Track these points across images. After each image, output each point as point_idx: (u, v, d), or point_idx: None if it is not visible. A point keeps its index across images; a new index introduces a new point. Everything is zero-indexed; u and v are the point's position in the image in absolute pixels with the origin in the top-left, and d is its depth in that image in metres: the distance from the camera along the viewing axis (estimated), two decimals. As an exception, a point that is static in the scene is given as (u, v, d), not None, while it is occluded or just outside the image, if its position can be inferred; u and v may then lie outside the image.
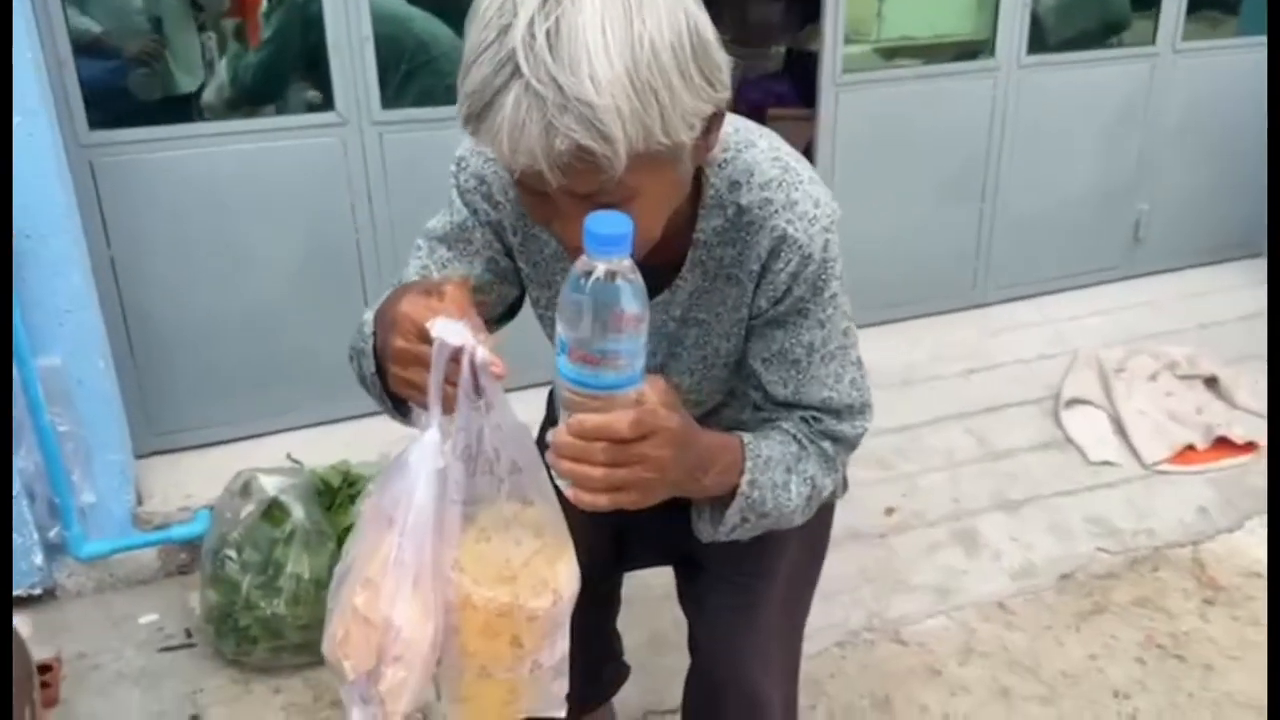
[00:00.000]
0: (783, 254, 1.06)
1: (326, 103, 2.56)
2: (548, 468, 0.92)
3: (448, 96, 2.94)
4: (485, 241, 1.17)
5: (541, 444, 0.92)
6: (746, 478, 1.06)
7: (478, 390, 0.86)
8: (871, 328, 3.31)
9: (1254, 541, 2.52)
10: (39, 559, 2.24)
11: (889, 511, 2.62)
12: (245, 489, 2.08)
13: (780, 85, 3.97)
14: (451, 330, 0.85)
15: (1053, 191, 3.52)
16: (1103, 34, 3.60)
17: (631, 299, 0.84)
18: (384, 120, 2.58)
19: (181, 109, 2.68)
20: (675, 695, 1.52)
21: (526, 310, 1.27)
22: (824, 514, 1.41)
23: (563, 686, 0.99)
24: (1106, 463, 2.80)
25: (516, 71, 0.81)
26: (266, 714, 2.02)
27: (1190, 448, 2.83)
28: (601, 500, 0.91)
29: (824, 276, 1.08)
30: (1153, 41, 3.50)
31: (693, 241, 1.10)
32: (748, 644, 1.36)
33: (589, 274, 0.83)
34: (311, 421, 2.72)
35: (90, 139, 2.36)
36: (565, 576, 0.95)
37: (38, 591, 2.28)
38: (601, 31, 0.81)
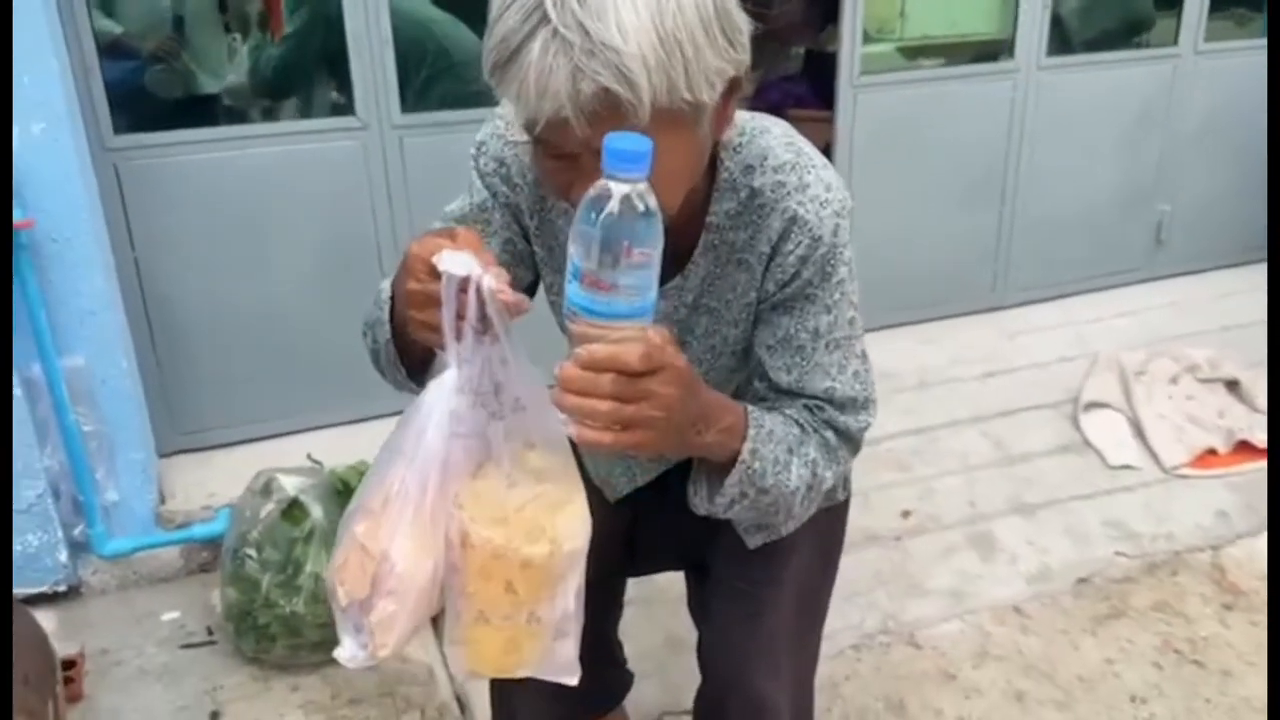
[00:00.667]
0: (793, 235, 1.07)
1: (347, 106, 2.58)
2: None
3: (468, 101, 2.96)
4: (503, 223, 1.18)
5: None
6: (748, 445, 1.05)
7: (485, 322, 0.86)
8: (889, 329, 3.30)
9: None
10: (64, 556, 2.28)
11: (905, 514, 2.62)
12: (266, 488, 2.11)
13: (799, 86, 3.97)
14: (458, 261, 0.85)
15: (1073, 193, 3.51)
16: (1126, 34, 3.58)
17: (649, 224, 0.83)
18: (404, 124, 2.61)
19: (205, 110, 2.71)
20: (691, 697, 1.52)
21: (541, 308, 1.28)
22: (836, 520, 1.41)
23: (567, 649, 0.96)
24: (1126, 466, 2.78)
25: (544, 19, 0.84)
26: (285, 711, 2.04)
27: (1211, 451, 2.81)
28: (605, 438, 0.89)
29: (832, 261, 1.08)
30: (1175, 42, 3.48)
31: (705, 225, 1.11)
32: (755, 654, 1.35)
33: (605, 197, 0.82)
34: (333, 422, 2.74)
35: (115, 143, 2.39)
36: (566, 527, 0.92)
37: (62, 588, 2.31)
38: None
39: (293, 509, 2.07)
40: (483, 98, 2.67)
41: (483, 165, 1.17)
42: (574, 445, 0.91)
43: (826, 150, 3.14)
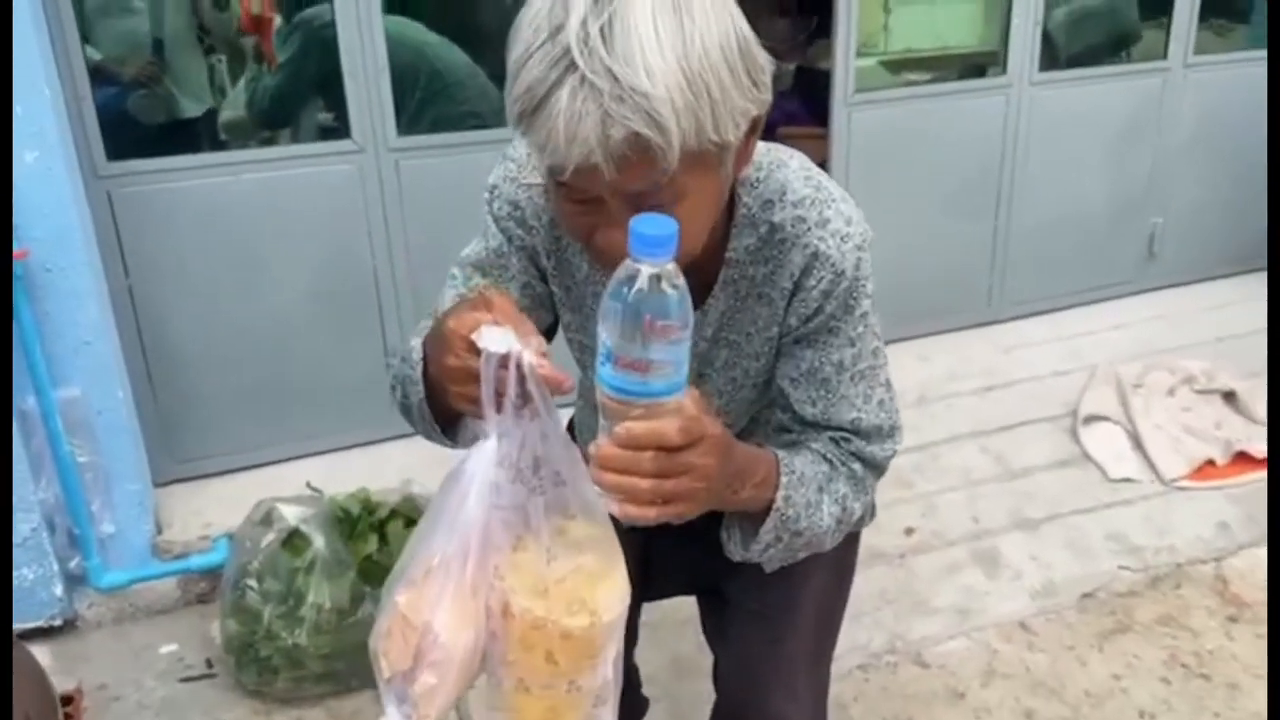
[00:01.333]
0: (815, 271, 1.07)
1: (343, 130, 2.57)
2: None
3: (462, 123, 2.96)
4: (521, 267, 1.18)
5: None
6: (781, 493, 1.05)
7: (524, 396, 0.85)
8: (886, 345, 3.29)
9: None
10: (59, 590, 2.25)
11: (908, 531, 2.61)
12: (266, 518, 2.08)
13: (791, 103, 3.97)
14: (496, 338, 0.84)
15: (1066, 206, 3.52)
16: (1113, 47, 3.60)
17: (679, 304, 0.83)
18: (400, 147, 2.59)
19: (192, 135, 2.69)
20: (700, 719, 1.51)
21: (559, 345, 1.27)
22: (850, 541, 1.41)
23: (606, 715, 0.97)
24: (1126, 479, 2.79)
25: (572, 65, 0.83)
26: (288, 744, 2.02)
27: (1210, 463, 2.81)
28: (650, 513, 0.89)
29: (855, 295, 1.08)
30: (1164, 56, 3.50)
31: (725, 260, 1.11)
32: (774, 677, 1.35)
33: (633, 278, 0.82)
34: (331, 447, 2.72)
35: (108, 170, 2.37)
36: (606, 599, 0.93)
37: (58, 622, 2.28)
38: (654, 28, 0.83)
39: (294, 539, 2.05)
40: (477, 119, 2.68)
41: (497, 209, 1.16)
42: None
43: (821, 167, 3.14)
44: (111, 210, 2.40)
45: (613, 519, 0.92)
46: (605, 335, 0.85)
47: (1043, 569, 2.49)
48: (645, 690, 1.87)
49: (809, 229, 1.07)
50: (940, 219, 3.35)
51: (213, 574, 2.34)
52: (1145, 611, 2.35)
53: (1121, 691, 2.14)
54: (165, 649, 2.27)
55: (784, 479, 1.06)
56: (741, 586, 1.35)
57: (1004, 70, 3.27)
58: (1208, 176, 3.71)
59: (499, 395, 0.85)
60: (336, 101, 2.56)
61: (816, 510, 1.08)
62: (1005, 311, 3.56)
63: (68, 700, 2.01)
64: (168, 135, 2.63)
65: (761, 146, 1.08)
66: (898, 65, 3.35)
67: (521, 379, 0.84)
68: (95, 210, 2.32)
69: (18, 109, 1.98)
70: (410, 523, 2.15)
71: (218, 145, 2.71)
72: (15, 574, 2.19)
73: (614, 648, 0.95)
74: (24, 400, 2.12)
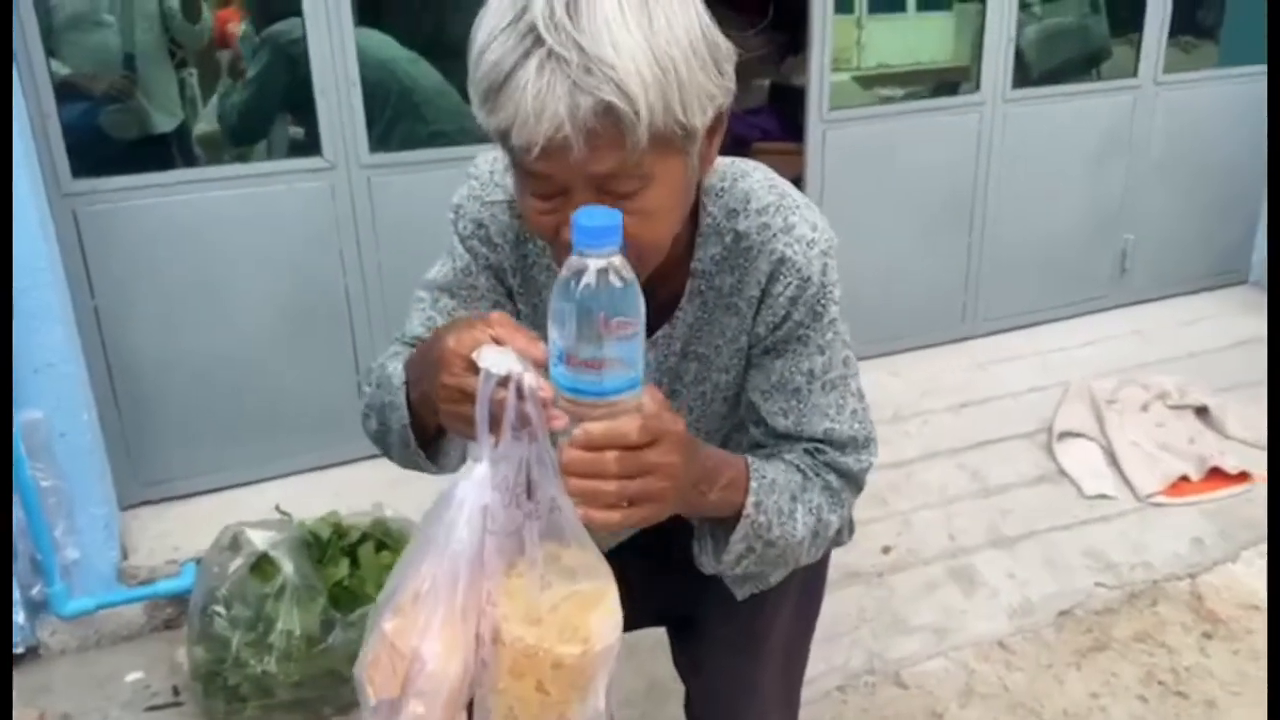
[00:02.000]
0: (782, 277, 1.06)
1: (313, 147, 2.54)
2: None
3: (431, 141, 2.94)
4: (489, 285, 1.16)
5: None
6: (752, 498, 1.03)
7: (523, 420, 0.84)
8: (860, 362, 3.29)
9: (1251, 573, 2.51)
10: (21, 617, 2.20)
11: (885, 550, 2.60)
12: (234, 543, 2.04)
13: (765, 120, 3.99)
14: (497, 358, 0.83)
15: (1039, 223, 3.54)
16: (1084, 65, 3.64)
17: (630, 297, 0.82)
18: (372, 164, 2.57)
19: (162, 150, 2.66)
20: (676, 750, 1.49)
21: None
22: (818, 567, 1.39)
23: None
24: (1102, 496, 2.79)
25: (538, 40, 0.83)
26: (257, 774, 1.98)
27: (1184, 479, 2.82)
28: (615, 517, 0.88)
29: (823, 301, 1.08)
30: (1135, 74, 3.53)
31: (691, 271, 1.10)
32: (744, 704, 1.34)
33: (580, 273, 0.80)
34: (300, 469, 2.68)
35: (73, 188, 2.33)
36: (599, 627, 0.91)
37: (20, 650, 2.23)
38: (620, 8, 0.84)
39: (262, 564, 2.01)
40: (446, 137, 2.66)
41: (462, 229, 1.15)
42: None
43: (796, 183, 3.14)
44: (77, 229, 2.36)
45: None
46: (556, 335, 0.83)
47: (1020, 586, 2.48)
48: (622, 714, 1.85)
49: (774, 235, 1.06)
50: (914, 235, 3.36)
51: (180, 599, 2.29)
52: (1122, 629, 2.35)
53: (1100, 710, 2.13)
54: (131, 677, 2.22)
55: (754, 484, 1.04)
56: (715, 616, 1.33)
57: (977, 87, 3.28)
58: (1179, 192, 3.75)
59: (495, 417, 0.84)
60: (307, 117, 2.53)
61: (790, 519, 1.06)
62: (979, 328, 3.58)
63: (30, 731, 1.97)
64: (137, 152, 2.60)
65: (725, 159, 1.08)
66: (870, 80, 3.37)
67: (520, 400, 0.83)
68: (61, 229, 2.28)
69: (-21, 126, 1.94)
70: (381, 546, 2.12)
71: (188, 161, 2.68)
72: (-25, 601, 2.15)
73: (605, 677, 0.93)
74: (-15, 423, 2.07)
